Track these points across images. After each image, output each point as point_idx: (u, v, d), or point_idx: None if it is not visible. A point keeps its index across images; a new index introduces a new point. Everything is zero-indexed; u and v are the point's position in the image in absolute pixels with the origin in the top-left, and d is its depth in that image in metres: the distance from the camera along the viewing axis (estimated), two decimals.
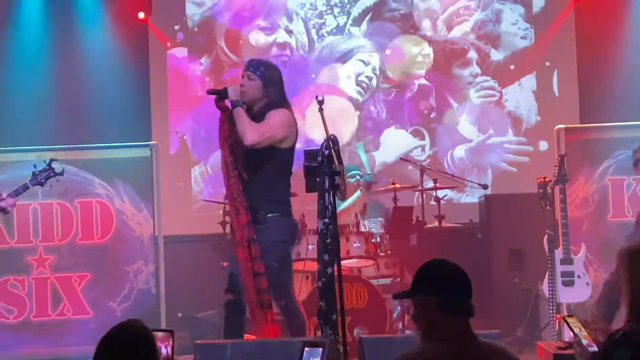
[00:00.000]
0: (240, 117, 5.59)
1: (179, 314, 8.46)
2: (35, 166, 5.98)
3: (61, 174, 6.10)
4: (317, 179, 5.25)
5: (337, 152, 5.28)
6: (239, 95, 5.64)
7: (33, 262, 8.00)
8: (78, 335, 7.88)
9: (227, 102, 5.68)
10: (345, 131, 9.44)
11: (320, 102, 5.53)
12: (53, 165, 5.97)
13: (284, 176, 5.78)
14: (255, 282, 5.52)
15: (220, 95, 5.68)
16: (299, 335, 5.66)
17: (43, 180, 5.98)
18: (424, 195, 8.20)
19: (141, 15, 9.47)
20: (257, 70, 5.76)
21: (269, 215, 5.63)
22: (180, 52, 9.63)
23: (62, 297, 8.01)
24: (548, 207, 7.44)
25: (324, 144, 5.25)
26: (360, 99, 9.63)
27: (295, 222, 5.91)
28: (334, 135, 5.32)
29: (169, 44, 9.58)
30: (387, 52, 9.66)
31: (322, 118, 5.48)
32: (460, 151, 9.58)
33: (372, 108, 9.64)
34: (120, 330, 3.02)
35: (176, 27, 9.64)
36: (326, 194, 5.21)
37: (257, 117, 5.69)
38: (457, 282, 3.26)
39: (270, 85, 5.76)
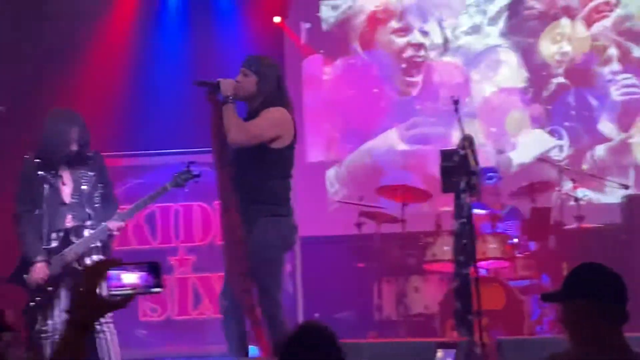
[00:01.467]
0: (228, 113, 5.30)
1: (316, 314, 8.54)
2: (175, 169, 6.15)
3: (199, 176, 6.25)
4: (454, 180, 5.22)
5: (474, 152, 5.24)
6: (231, 90, 5.34)
7: (175, 262, 8.22)
8: (219, 335, 8.04)
9: (220, 96, 5.39)
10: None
11: (456, 102, 5.51)
12: (191, 168, 6.12)
13: (279, 177, 5.46)
14: (243, 283, 5.32)
15: (212, 88, 5.41)
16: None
17: (182, 183, 6.14)
18: (563, 196, 8.04)
19: (277, 19, 9.61)
20: (252, 66, 5.46)
21: (261, 217, 5.35)
22: (315, 54, 9.73)
23: (203, 296, 8.20)
24: None
25: (461, 144, 5.22)
26: (498, 99, 9.52)
27: (293, 225, 5.48)
28: (471, 135, 5.28)
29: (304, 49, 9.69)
30: (525, 50, 9.52)
31: (458, 118, 5.45)
32: (600, 150, 9.35)
33: (510, 108, 9.52)
34: (304, 333, 2.91)
35: (310, 29, 9.74)
36: (462, 195, 5.17)
37: (252, 115, 5.43)
38: (612, 287, 3.11)
39: (266, 83, 5.42)
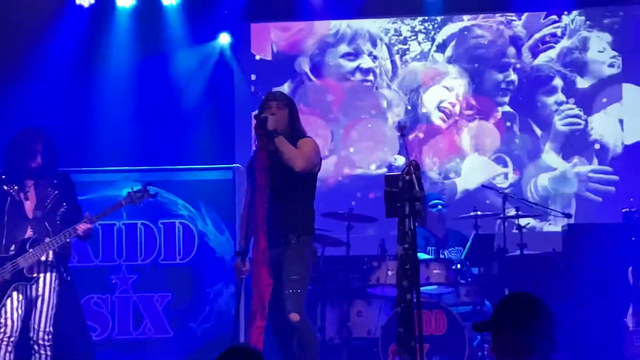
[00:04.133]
0: (286, 144, 5.62)
1: None
2: (132, 188, 6.16)
3: (155, 196, 6.26)
4: (398, 205, 5.22)
5: (418, 177, 5.24)
6: (273, 125, 5.63)
7: (116, 281, 8.14)
8: (158, 355, 7.97)
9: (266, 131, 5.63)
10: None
11: (402, 128, 5.52)
12: (148, 188, 6.16)
13: (312, 202, 5.84)
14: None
15: (260, 122, 5.65)
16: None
17: (136, 201, 6.15)
18: (506, 223, 8.11)
19: (222, 39, 9.59)
20: (283, 99, 5.85)
21: (301, 237, 5.67)
22: (264, 76, 9.73)
23: (144, 316, 8.12)
24: (633, 238, 7.30)
25: (405, 169, 5.23)
26: (444, 125, 9.60)
27: (316, 249, 5.95)
28: (415, 161, 5.29)
29: (253, 77, 9.69)
30: (471, 78, 9.62)
31: (404, 143, 5.47)
32: (543, 179, 9.46)
33: (455, 134, 9.60)
34: (232, 355, 2.89)
35: (262, 52, 9.75)
36: (406, 220, 5.18)
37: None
38: (540, 319, 3.16)
39: (295, 115, 5.85)
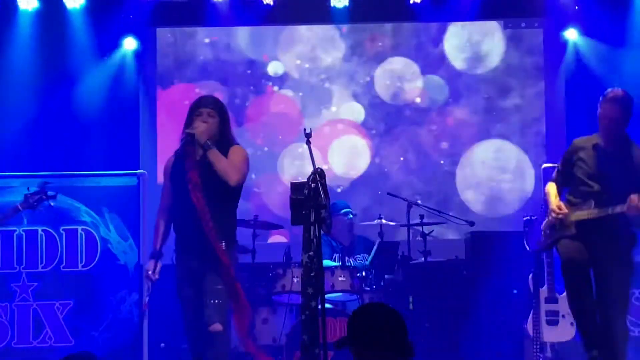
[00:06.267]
0: (219, 158, 5.62)
1: (162, 344, 8.41)
2: (28, 189, 5.98)
3: (54, 197, 6.10)
4: (303, 212, 5.23)
5: (324, 185, 5.26)
6: (207, 134, 5.62)
7: (16, 288, 7.97)
8: None
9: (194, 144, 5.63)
10: (360, 166, 9.52)
11: (308, 135, 5.53)
12: (45, 189, 5.97)
13: (236, 212, 5.87)
14: None
15: (189, 138, 5.62)
16: None
17: (35, 204, 5.97)
18: (410, 231, 8.19)
19: (127, 44, 9.48)
20: (216, 107, 5.77)
21: (230, 247, 5.74)
22: (177, 82, 9.65)
23: (45, 324, 7.98)
24: None
25: (311, 177, 5.24)
26: (352, 133, 9.66)
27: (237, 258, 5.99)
28: (321, 169, 5.31)
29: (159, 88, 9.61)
30: (376, 85, 9.69)
31: (309, 150, 5.47)
32: (448, 187, 9.59)
33: (364, 141, 9.66)
34: None
35: (173, 57, 9.66)
36: (311, 227, 5.19)
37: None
38: (392, 327, 3.26)
39: (226, 122, 5.81)
